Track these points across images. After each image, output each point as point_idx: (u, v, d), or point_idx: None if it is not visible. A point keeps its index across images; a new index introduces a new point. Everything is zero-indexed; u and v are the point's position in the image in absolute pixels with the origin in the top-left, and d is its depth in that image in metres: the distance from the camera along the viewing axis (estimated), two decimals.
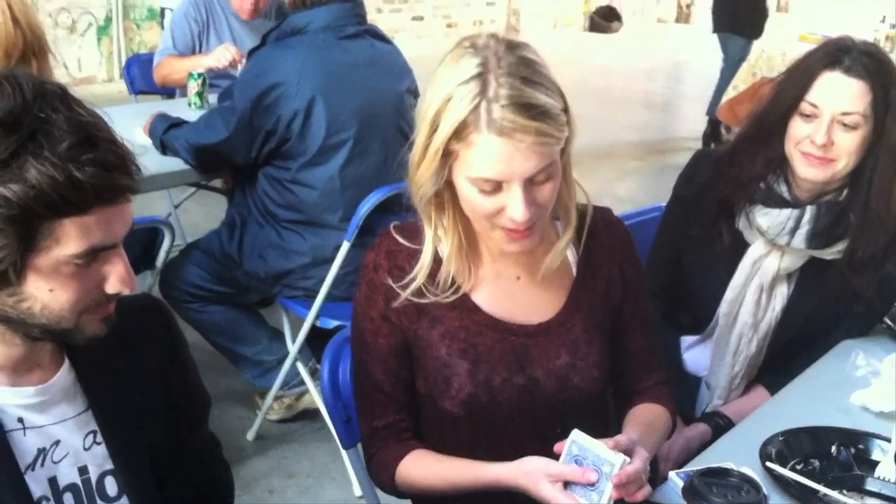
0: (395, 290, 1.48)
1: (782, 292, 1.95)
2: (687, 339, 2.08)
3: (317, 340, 2.89)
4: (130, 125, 3.06)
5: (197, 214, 4.53)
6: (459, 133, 1.32)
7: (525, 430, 1.52)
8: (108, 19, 7.94)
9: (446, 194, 1.43)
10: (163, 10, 6.26)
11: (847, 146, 1.83)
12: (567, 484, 1.32)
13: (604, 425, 1.59)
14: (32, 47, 2.09)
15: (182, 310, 2.90)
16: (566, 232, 1.50)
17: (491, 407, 1.50)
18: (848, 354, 1.90)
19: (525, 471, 1.37)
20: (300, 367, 2.95)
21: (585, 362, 1.52)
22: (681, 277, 2.05)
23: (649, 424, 1.56)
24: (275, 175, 2.82)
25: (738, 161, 1.95)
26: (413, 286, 1.48)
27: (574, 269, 1.55)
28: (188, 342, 1.42)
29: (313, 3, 2.78)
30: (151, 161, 2.92)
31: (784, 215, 1.90)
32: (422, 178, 1.39)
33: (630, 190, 5.97)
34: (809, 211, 1.89)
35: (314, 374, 2.96)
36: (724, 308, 1.98)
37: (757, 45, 6.74)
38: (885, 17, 6.55)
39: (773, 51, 6.46)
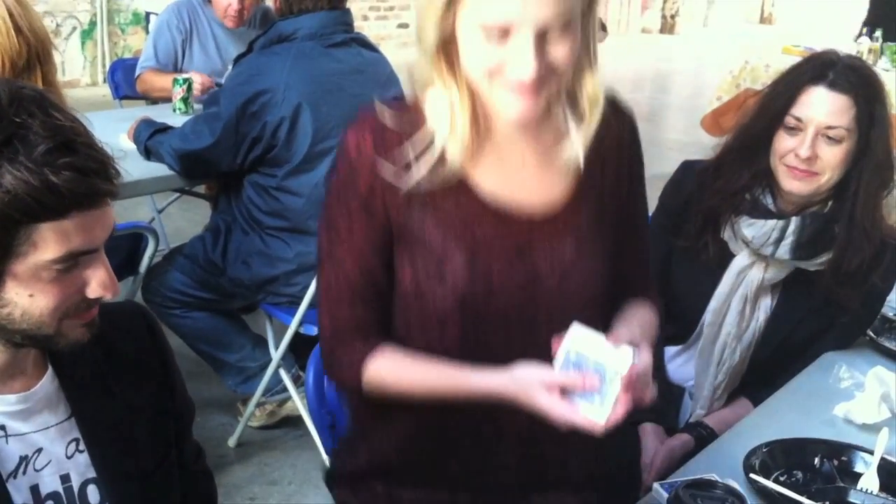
0: (383, 174, 1.31)
1: (766, 303, 1.96)
2: (671, 349, 2.08)
3: (299, 347, 2.89)
4: (115, 130, 3.05)
5: (180, 220, 4.51)
6: None
7: (520, 333, 1.36)
8: (93, 23, 7.90)
9: (453, 53, 1.25)
10: (148, 14, 6.23)
11: (831, 160, 1.84)
12: (564, 392, 1.22)
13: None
14: (37, 54, 2.03)
15: (165, 316, 2.88)
16: (590, 123, 1.32)
17: (487, 302, 1.34)
18: (831, 366, 1.91)
19: (517, 379, 1.26)
20: (283, 373, 2.94)
21: (591, 256, 1.38)
22: (666, 287, 2.06)
23: (645, 323, 1.46)
24: (260, 182, 2.81)
25: (723, 173, 1.96)
26: (413, 174, 1.30)
27: (581, 160, 1.35)
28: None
29: (301, 10, 2.78)
30: (135, 166, 2.90)
31: (769, 226, 1.91)
32: (426, 24, 1.23)
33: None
34: (794, 222, 1.90)
35: (297, 380, 2.95)
36: (708, 318, 1.99)
37: (741, 57, 6.77)
38: (869, 28, 6.59)
39: (758, 62, 6.49)
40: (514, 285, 1.34)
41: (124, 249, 2.50)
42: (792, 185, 1.88)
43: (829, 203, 1.91)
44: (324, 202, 1.41)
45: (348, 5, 2.91)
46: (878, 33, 6.49)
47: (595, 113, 1.32)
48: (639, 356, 1.22)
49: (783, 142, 1.87)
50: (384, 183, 1.31)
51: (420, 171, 1.30)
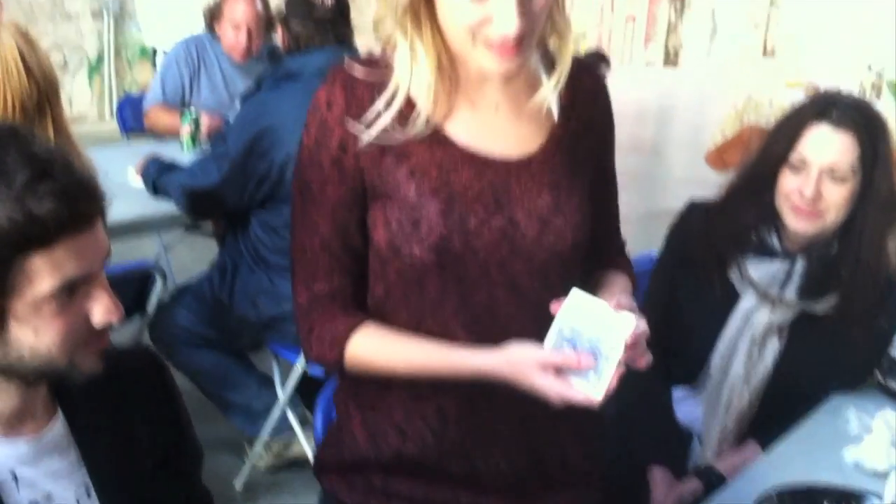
0: (353, 129, 1.29)
1: (774, 346, 1.96)
2: (679, 392, 2.08)
3: (306, 386, 2.88)
4: (123, 166, 3.09)
5: (187, 257, 4.52)
6: None
7: (501, 285, 1.33)
8: (100, 58, 7.96)
9: (423, 6, 1.25)
10: (155, 50, 6.29)
11: (836, 199, 1.85)
12: (559, 370, 1.22)
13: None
14: (47, 95, 2.05)
15: (171, 354, 2.88)
16: (561, 63, 1.32)
17: (465, 254, 1.30)
18: (840, 410, 1.90)
19: (511, 360, 1.25)
20: (289, 414, 2.93)
21: (568, 204, 1.36)
22: (673, 328, 2.06)
23: (629, 291, 1.46)
24: (267, 220, 2.82)
25: (729, 213, 1.97)
26: (380, 122, 1.28)
27: (555, 110, 1.36)
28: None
29: (308, 47, 2.81)
30: (143, 203, 2.93)
31: (775, 267, 1.91)
32: None
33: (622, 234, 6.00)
34: (800, 263, 1.90)
35: (304, 421, 2.94)
36: (715, 361, 1.99)
37: (744, 92, 6.81)
38: (870, 65, 6.64)
39: (761, 97, 6.54)
40: (493, 236, 1.31)
41: (132, 288, 2.51)
42: (797, 224, 1.88)
43: (835, 243, 1.91)
44: (295, 165, 1.38)
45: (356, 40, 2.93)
46: (881, 68, 6.52)
47: (565, 58, 1.32)
48: (640, 322, 1.22)
49: (788, 181, 1.88)
50: (356, 138, 1.30)
51: (386, 119, 1.28)
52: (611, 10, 13.65)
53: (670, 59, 14.90)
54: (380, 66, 1.31)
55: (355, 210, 1.34)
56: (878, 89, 6.47)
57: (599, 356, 1.21)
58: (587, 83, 1.43)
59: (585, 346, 1.22)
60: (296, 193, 1.38)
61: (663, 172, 8.05)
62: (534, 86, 1.35)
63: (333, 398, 1.56)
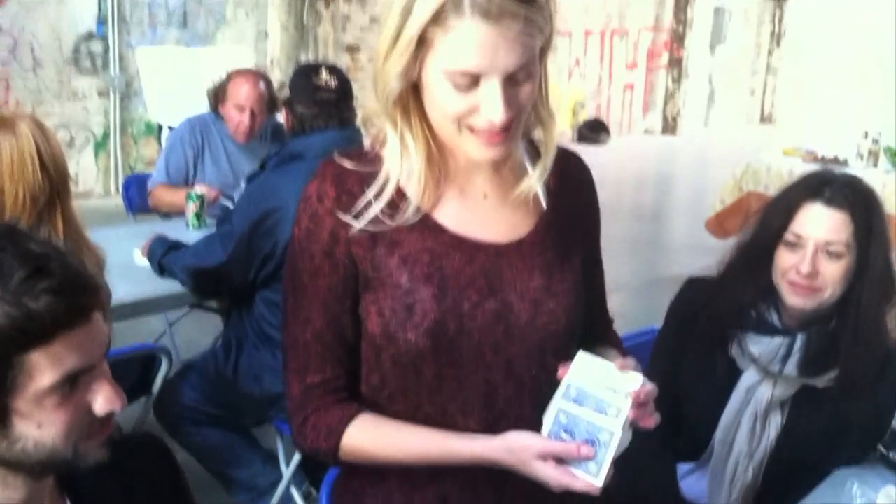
0: (344, 219, 1.32)
1: (776, 420, 1.97)
2: (683, 467, 2.08)
3: (310, 464, 2.88)
4: (130, 246, 3.13)
5: (192, 332, 4.53)
6: (438, 17, 1.19)
7: (497, 368, 1.34)
8: (106, 135, 8.08)
9: (411, 98, 1.29)
10: (160, 126, 6.38)
11: (833, 275, 1.88)
12: (559, 459, 1.24)
13: None
14: (58, 189, 2.09)
15: (175, 432, 2.89)
16: (546, 153, 1.36)
17: (460, 338, 1.31)
18: (843, 483, 1.90)
19: (511, 449, 1.26)
20: (294, 491, 2.92)
21: (560, 286, 1.38)
22: (676, 403, 2.07)
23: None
24: (272, 298, 2.84)
25: (728, 289, 1.99)
26: (371, 211, 1.31)
27: (543, 198, 1.40)
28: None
29: (312, 128, 2.87)
30: (149, 284, 2.96)
31: (776, 343, 1.93)
32: (390, 72, 1.24)
33: (622, 303, 6.00)
34: (800, 339, 1.92)
35: (308, 498, 2.93)
36: (719, 435, 1.99)
37: (741, 160, 6.88)
38: (867, 131, 6.70)
39: (759, 165, 6.60)
40: (487, 319, 1.33)
41: (137, 370, 2.52)
42: (795, 300, 1.90)
43: (834, 318, 1.93)
44: (287, 258, 1.40)
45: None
46: (878, 135, 6.59)
47: (550, 148, 1.36)
48: (646, 381, 1.24)
49: (784, 258, 1.91)
50: (348, 228, 1.32)
51: (377, 208, 1.31)
52: (609, 80, 13.85)
53: (669, 126, 15.06)
54: (369, 159, 1.35)
55: (347, 300, 1.35)
56: (875, 156, 6.53)
57: (598, 443, 1.23)
58: (573, 170, 1.48)
59: (584, 429, 1.24)
60: (287, 285, 1.39)
61: (664, 239, 8.08)
62: (520, 174, 1.39)
63: (333, 484, 1.57)
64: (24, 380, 1.07)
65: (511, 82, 1.22)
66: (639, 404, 1.24)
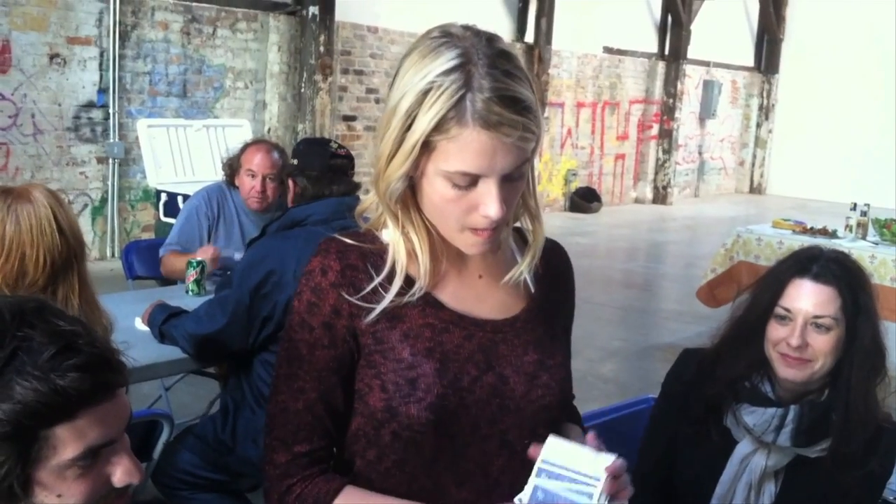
0: (348, 294, 1.36)
1: (770, 489, 2.00)
2: None
3: None
4: (130, 313, 3.16)
5: (186, 396, 4.54)
6: (441, 126, 1.25)
7: (492, 440, 1.39)
8: (104, 200, 8.15)
9: (409, 195, 1.36)
10: (158, 192, 6.47)
11: (822, 347, 1.93)
12: None
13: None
14: (75, 252, 2.15)
15: (173, 497, 2.90)
16: (535, 243, 1.44)
17: (459, 411, 1.36)
18: None
19: None
20: None
21: (553, 360, 1.45)
22: (671, 473, 2.10)
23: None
24: (271, 361, 2.87)
25: (722, 361, 2.04)
26: (385, 301, 1.36)
27: (531, 283, 1.47)
28: None
29: (314, 196, 2.94)
30: (149, 351, 2.99)
31: (769, 414, 1.97)
32: (393, 174, 1.30)
33: (614, 370, 6.03)
34: (793, 410, 1.96)
35: None
36: None
37: (733, 231, 6.98)
38: (855, 203, 6.81)
39: (749, 236, 6.69)
40: (484, 393, 1.38)
41: (137, 434, 2.54)
42: (787, 372, 1.95)
43: (826, 391, 1.98)
44: (285, 329, 1.43)
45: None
46: (866, 207, 6.70)
47: (538, 239, 1.44)
48: (618, 458, 1.27)
49: (775, 331, 1.97)
50: (349, 304, 1.36)
51: (388, 298, 1.36)
52: (600, 150, 14.05)
53: (660, 196, 15.23)
54: (369, 240, 1.41)
55: (341, 371, 1.39)
56: (863, 228, 6.62)
57: None
58: (559, 260, 1.57)
59: (567, 481, 1.26)
60: (282, 356, 1.42)
61: (655, 307, 8.13)
62: (510, 257, 1.48)
63: None
64: (47, 452, 1.10)
65: (506, 180, 1.29)
66: (614, 477, 1.26)
